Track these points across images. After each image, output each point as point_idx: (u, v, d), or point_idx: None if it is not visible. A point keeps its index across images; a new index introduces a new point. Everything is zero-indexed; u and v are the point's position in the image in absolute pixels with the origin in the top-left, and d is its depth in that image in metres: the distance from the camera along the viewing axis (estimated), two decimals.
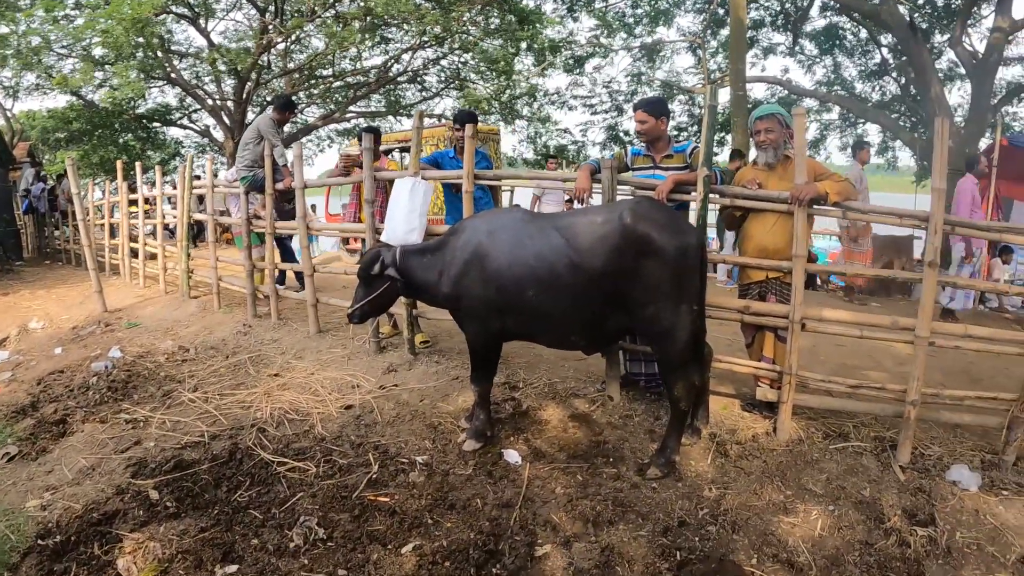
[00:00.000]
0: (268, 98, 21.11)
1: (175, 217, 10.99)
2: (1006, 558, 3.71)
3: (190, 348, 7.52)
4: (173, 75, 18.94)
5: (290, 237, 9.32)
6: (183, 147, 24.57)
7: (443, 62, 20.94)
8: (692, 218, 5.10)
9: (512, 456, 4.63)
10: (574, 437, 4.95)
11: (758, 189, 4.95)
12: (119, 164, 12.25)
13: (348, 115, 21.89)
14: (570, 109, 23.06)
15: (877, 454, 4.67)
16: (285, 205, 8.41)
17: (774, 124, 5.01)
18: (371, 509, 4.04)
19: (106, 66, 17.25)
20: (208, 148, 23.00)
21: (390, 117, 22.33)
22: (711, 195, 4.98)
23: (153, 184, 11.33)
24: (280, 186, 7.69)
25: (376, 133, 7.17)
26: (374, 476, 4.39)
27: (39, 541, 3.86)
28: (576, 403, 5.41)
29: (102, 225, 14.09)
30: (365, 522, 3.92)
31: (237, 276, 9.28)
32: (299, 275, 8.31)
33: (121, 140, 21.85)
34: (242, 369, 6.62)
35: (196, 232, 13.69)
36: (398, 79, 21.22)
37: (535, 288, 4.33)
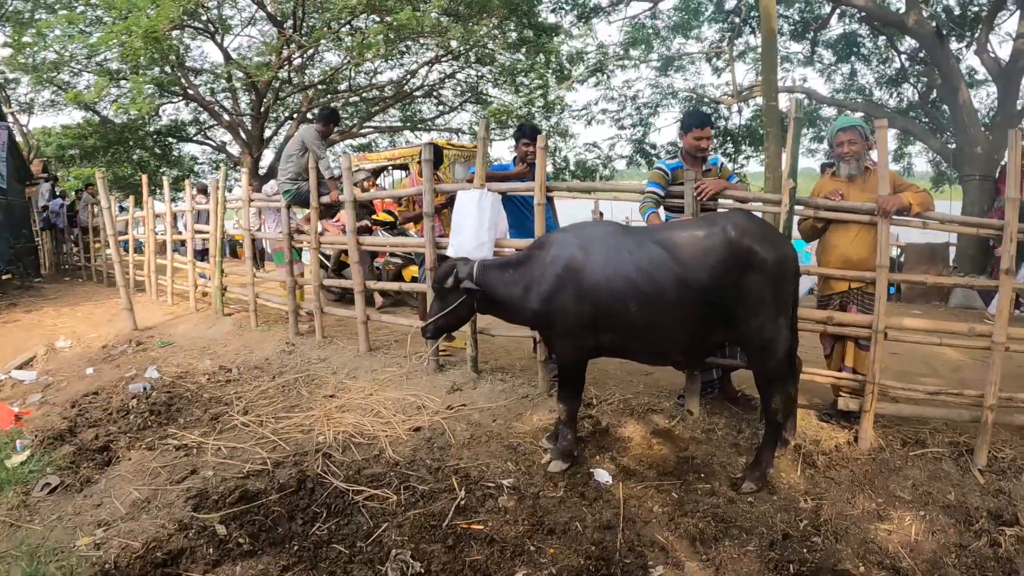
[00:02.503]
0: (285, 114, 21.03)
1: (201, 234, 10.86)
2: None
3: (232, 368, 7.26)
4: (190, 91, 18.83)
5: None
6: (198, 163, 24.47)
7: (459, 76, 20.85)
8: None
9: (602, 476, 4.45)
10: (660, 453, 4.79)
11: (841, 200, 4.95)
12: (144, 179, 12.10)
13: (364, 130, 21.77)
14: (598, 123, 22.81)
15: (955, 459, 4.67)
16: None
17: (856, 136, 5.06)
18: (466, 538, 3.80)
19: (122, 81, 17.12)
20: (224, 164, 22.84)
21: (407, 132, 22.23)
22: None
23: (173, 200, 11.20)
24: (326, 199, 7.47)
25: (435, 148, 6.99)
26: (462, 503, 4.15)
27: None
28: (655, 419, 5.24)
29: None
30: (462, 552, 3.68)
31: (273, 292, 9.07)
32: None
33: (135, 156, 21.73)
34: (293, 390, 6.36)
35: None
36: (414, 93, 21.12)
37: (636, 303, 4.18)
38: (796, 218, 5.11)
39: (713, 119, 5.40)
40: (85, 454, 5.40)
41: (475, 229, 5.54)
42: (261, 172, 19.23)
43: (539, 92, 20.05)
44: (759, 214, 5.46)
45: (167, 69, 17.02)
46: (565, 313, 4.34)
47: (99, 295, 13.55)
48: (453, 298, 4.66)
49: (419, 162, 6.35)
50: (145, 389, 6.86)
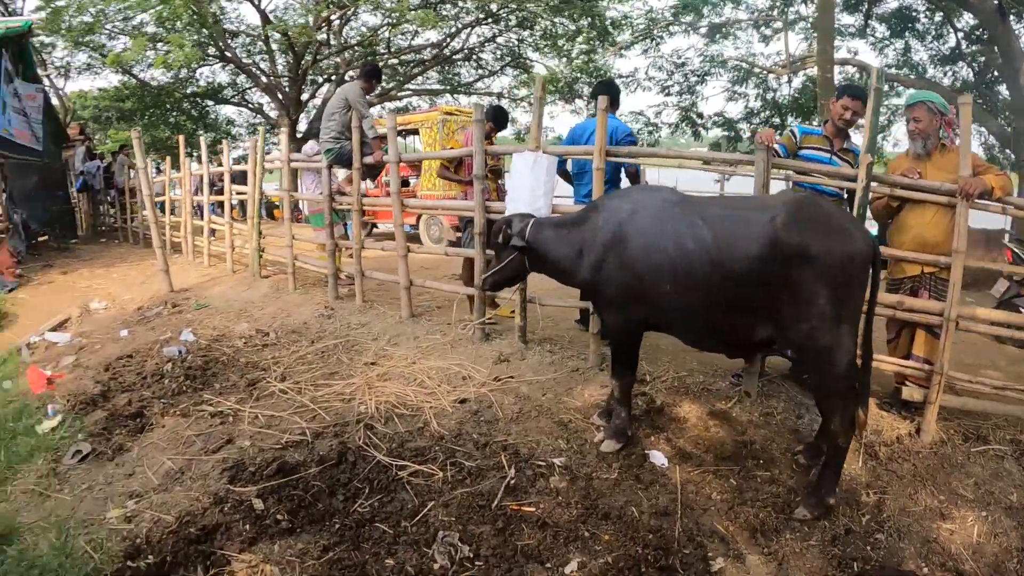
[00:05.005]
0: (321, 78, 20.85)
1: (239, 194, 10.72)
2: None
3: (269, 332, 7.07)
4: (227, 53, 18.66)
5: None
6: (235, 126, 24.39)
7: (499, 39, 20.52)
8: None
9: (658, 458, 4.22)
10: (717, 437, 4.55)
11: (919, 179, 4.69)
12: (180, 139, 11.97)
13: (403, 93, 21.56)
14: (644, 91, 22.08)
15: (1016, 458, 4.46)
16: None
17: (922, 112, 4.78)
18: (516, 520, 3.60)
19: (159, 43, 17.01)
20: (261, 126, 22.74)
21: (448, 95, 22.01)
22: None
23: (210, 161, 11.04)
24: (369, 160, 7.18)
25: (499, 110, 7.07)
26: (511, 482, 3.94)
27: (128, 563, 3.35)
28: (710, 399, 4.98)
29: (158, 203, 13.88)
30: (512, 536, 3.48)
31: (312, 255, 8.94)
32: None
33: (172, 119, 21.68)
34: (332, 356, 6.13)
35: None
36: (453, 57, 20.84)
37: (671, 281, 3.82)
38: None
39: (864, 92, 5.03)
40: (118, 420, 5.25)
41: (530, 192, 5.32)
42: (299, 135, 19.02)
43: (585, 58, 19.65)
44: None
45: (204, 31, 16.84)
46: (610, 283, 4.09)
47: (134, 256, 13.48)
48: (506, 254, 4.53)
49: (477, 121, 6.06)
50: (180, 353, 6.68)
